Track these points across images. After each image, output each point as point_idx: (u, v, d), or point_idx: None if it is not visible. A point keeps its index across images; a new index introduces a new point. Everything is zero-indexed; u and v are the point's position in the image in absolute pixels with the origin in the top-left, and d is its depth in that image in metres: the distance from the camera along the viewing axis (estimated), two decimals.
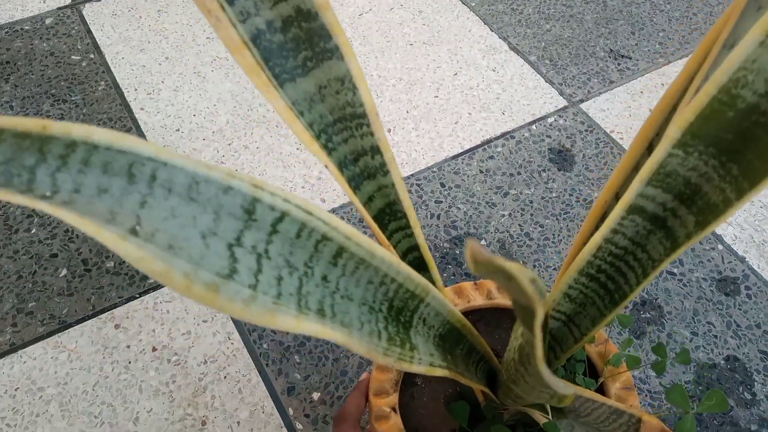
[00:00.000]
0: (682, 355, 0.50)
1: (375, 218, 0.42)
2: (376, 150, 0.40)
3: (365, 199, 0.41)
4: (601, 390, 0.52)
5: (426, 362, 0.34)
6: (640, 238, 0.36)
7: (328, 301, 0.30)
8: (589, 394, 0.40)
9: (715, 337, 0.76)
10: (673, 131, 0.32)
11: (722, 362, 0.75)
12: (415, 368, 0.35)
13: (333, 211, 0.86)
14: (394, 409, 0.52)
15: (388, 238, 0.43)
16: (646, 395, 0.72)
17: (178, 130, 0.95)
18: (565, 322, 0.45)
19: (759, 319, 0.78)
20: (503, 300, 0.57)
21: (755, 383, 0.73)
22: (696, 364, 0.74)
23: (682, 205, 0.33)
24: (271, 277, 0.27)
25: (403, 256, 0.44)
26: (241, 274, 0.24)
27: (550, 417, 0.44)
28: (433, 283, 0.44)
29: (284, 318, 0.26)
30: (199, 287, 0.22)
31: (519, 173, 0.92)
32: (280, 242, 0.30)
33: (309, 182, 0.89)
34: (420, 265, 0.44)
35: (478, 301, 0.58)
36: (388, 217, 0.43)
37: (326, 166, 0.35)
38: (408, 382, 0.56)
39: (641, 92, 1.02)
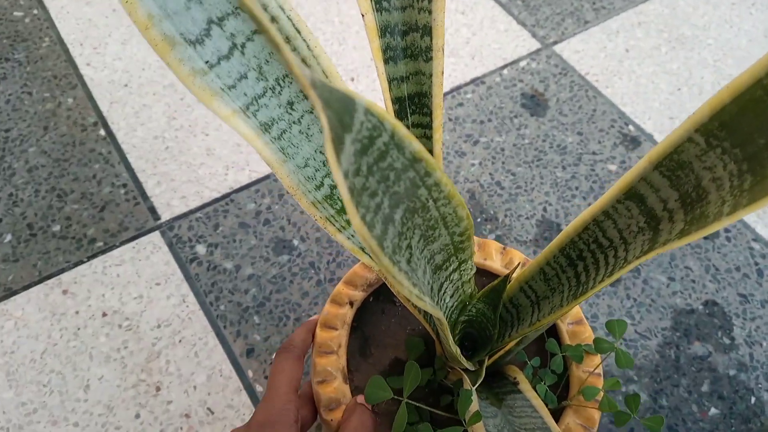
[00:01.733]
0: (618, 329, 0.46)
1: (397, 102, 0.38)
2: (428, 30, 0.36)
3: (396, 78, 0.38)
4: (564, 391, 0.48)
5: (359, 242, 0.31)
6: (629, 235, 0.32)
7: (281, 125, 0.28)
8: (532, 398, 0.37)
9: (693, 281, 0.73)
10: (702, 112, 0.25)
11: (700, 307, 0.72)
12: (341, 239, 0.31)
13: None
14: (339, 345, 0.49)
15: None
16: (621, 343, 0.69)
17: (126, 85, 0.89)
18: (532, 303, 0.41)
19: (738, 262, 0.75)
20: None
21: (734, 327, 0.70)
22: (673, 310, 0.71)
23: (681, 210, 0.28)
24: (233, 69, 0.26)
25: None
26: (205, 48, 0.25)
27: (472, 387, 0.40)
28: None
29: (220, 105, 0.26)
30: (157, 33, 0.22)
31: (490, 120, 0.87)
32: (260, 46, 0.28)
33: None
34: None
35: (496, 263, 0.54)
36: (413, 107, 0.39)
37: (363, 16, 0.32)
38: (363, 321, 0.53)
39: (617, 32, 0.97)
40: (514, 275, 0.42)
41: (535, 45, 0.96)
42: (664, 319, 0.71)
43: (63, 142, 0.83)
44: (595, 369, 0.47)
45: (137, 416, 0.63)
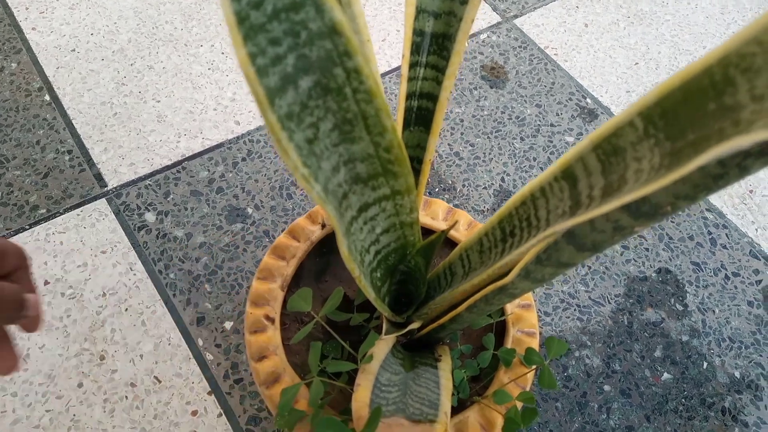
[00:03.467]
0: (556, 348, 0.45)
1: (419, 34, 0.39)
2: None
3: (427, 11, 0.39)
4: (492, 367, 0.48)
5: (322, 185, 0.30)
6: (553, 218, 0.31)
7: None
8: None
9: (647, 250, 0.74)
10: (650, 96, 0.24)
11: (654, 275, 0.72)
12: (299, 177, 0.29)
13: (248, 134, 0.80)
14: (271, 320, 0.47)
15: None
16: (575, 309, 0.69)
17: (73, 50, 0.85)
18: (464, 273, 0.40)
19: (692, 231, 0.76)
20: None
21: (687, 294, 0.71)
22: (627, 277, 0.72)
23: (599, 200, 0.27)
24: None
25: None
26: None
27: (382, 334, 0.40)
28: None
29: None
30: None
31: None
32: None
33: (222, 104, 0.82)
34: None
35: (442, 224, 0.53)
36: (433, 47, 0.40)
37: None
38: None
39: (577, 7, 0.98)
40: (462, 242, 0.41)
41: (495, 18, 0.95)
42: (618, 286, 0.71)
43: (5, 107, 0.79)
44: (517, 378, 0.45)
45: (80, 385, 0.61)
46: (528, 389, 0.45)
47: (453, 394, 0.45)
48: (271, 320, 0.47)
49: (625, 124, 0.26)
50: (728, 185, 0.28)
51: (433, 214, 0.53)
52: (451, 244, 0.54)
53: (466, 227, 0.53)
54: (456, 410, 0.45)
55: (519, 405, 0.43)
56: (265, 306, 0.47)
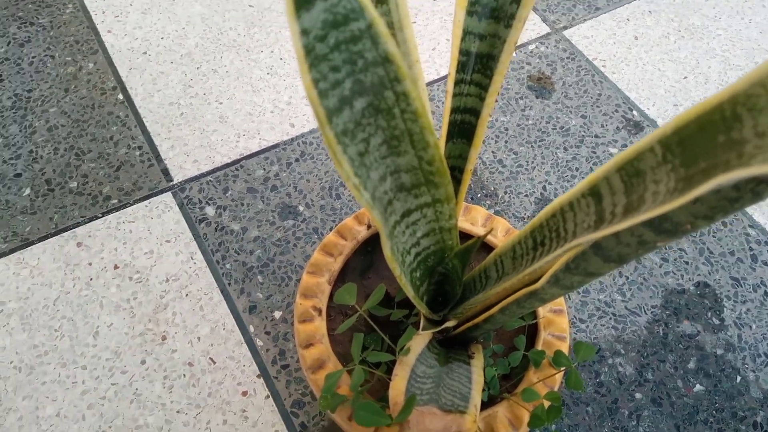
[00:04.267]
0: (584, 352, 0.47)
1: (465, 54, 0.43)
2: None
3: (473, 33, 0.42)
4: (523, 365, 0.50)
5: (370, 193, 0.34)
6: (579, 231, 0.34)
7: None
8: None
9: (686, 263, 0.75)
10: (669, 126, 0.26)
11: (692, 288, 0.73)
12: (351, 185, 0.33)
13: (302, 136, 0.84)
14: (319, 312, 0.51)
15: None
16: (610, 318, 0.71)
17: (145, 53, 0.92)
18: (498, 277, 0.43)
19: (733, 247, 0.76)
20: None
21: (725, 309, 0.72)
22: (665, 289, 0.73)
23: (620, 217, 0.29)
24: None
25: None
26: None
27: (420, 329, 0.43)
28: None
29: None
30: None
31: (495, 100, 0.89)
32: None
33: (278, 107, 0.87)
34: None
35: (480, 230, 0.56)
36: (478, 66, 0.44)
37: None
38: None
39: (627, 19, 0.98)
40: (497, 248, 0.44)
41: (545, 29, 0.97)
42: (655, 298, 0.72)
43: (82, 104, 0.87)
44: (546, 378, 0.48)
45: (143, 362, 0.67)
46: (556, 390, 0.48)
47: (483, 390, 0.48)
48: (319, 311, 0.51)
49: (647, 149, 0.29)
50: (744, 207, 0.30)
51: (473, 220, 0.56)
52: (488, 249, 0.57)
53: (503, 234, 0.56)
54: (486, 405, 0.48)
55: (546, 404, 0.46)
56: (314, 298, 0.52)
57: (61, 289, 0.71)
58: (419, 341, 0.46)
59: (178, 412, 0.64)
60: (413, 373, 0.44)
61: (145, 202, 0.78)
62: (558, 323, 0.51)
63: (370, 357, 0.46)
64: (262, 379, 0.66)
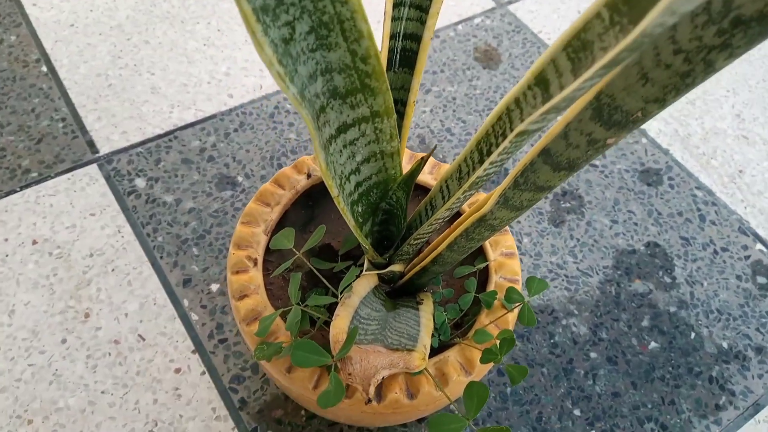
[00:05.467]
0: (537, 286, 0.44)
1: None
2: None
3: None
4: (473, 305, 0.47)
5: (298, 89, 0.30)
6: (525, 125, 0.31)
7: None
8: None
9: (636, 224, 0.74)
10: None
11: (642, 248, 0.72)
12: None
13: (241, 106, 0.80)
14: (254, 262, 0.47)
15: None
16: (563, 279, 0.69)
17: (72, 25, 0.86)
18: (444, 203, 0.40)
19: (681, 208, 0.76)
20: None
21: (675, 267, 0.71)
22: (615, 250, 0.72)
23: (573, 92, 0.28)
24: None
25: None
26: None
27: (363, 269, 0.40)
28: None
29: None
30: None
31: (442, 71, 0.87)
32: None
33: (216, 77, 0.83)
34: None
35: (428, 177, 0.53)
36: None
37: None
38: None
39: None
40: (441, 174, 0.41)
41: (489, 4, 0.96)
42: (606, 258, 0.71)
43: (2, 77, 0.80)
44: (497, 319, 0.45)
45: (63, 341, 0.61)
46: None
47: (433, 336, 0.45)
48: (254, 261, 0.47)
49: (593, 16, 0.27)
50: (695, 85, 0.28)
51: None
52: (419, 188, 0.54)
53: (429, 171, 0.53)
54: (436, 351, 0.45)
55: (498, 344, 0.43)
56: (248, 248, 0.48)
57: None
58: (363, 283, 0.43)
59: (102, 392, 0.58)
60: (357, 314, 0.40)
61: (68, 175, 0.72)
62: (509, 266, 0.48)
63: (310, 302, 0.42)
64: (197, 355, 0.61)
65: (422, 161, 0.38)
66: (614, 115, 0.31)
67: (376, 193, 0.43)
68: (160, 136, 0.76)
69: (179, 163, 0.74)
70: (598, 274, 0.69)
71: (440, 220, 0.39)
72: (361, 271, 0.46)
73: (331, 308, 0.46)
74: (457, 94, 0.84)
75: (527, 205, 0.38)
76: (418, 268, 0.46)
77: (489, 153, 0.35)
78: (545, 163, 0.35)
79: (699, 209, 0.76)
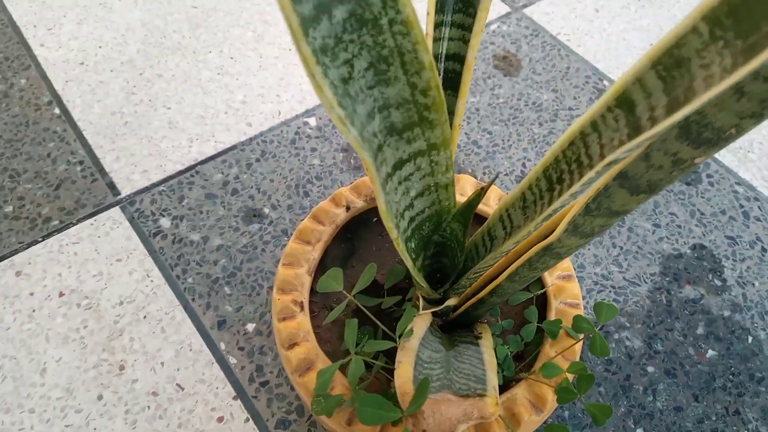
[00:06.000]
0: (606, 313, 0.41)
1: None
2: None
3: None
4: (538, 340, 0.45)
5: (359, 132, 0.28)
6: (608, 152, 0.28)
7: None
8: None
9: (679, 227, 0.71)
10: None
11: (688, 251, 0.69)
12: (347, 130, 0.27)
13: (261, 135, 0.78)
14: (301, 306, 0.45)
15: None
16: (609, 291, 0.66)
17: (82, 63, 0.85)
18: (506, 234, 0.37)
19: (723, 206, 0.73)
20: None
21: (725, 269, 0.68)
22: (661, 255, 0.69)
23: (663, 118, 0.25)
24: None
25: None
26: None
27: (420, 309, 0.38)
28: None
29: None
30: None
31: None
32: None
33: (233, 107, 0.81)
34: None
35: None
36: (459, 5, 0.39)
37: None
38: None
39: None
40: (501, 201, 0.39)
41: (504, 9, 0.94)
42: (653, 265, 0.68)
43: (15, 123, 0.78)
44: (565, 350, 0.42)
45: (100, 397, 0.58)
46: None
47: (498, 372, 0.43)
48: (300, 305, 0.44)
49: (688, 31, 0.24)
50: None
51: (462, 190, 0.51)
52: (482, 221, 0.52)
53: (496, 201, 0.51)
54: (502, 389, 0.42)
55: (570, 377, 0.41)
56: (293, 292, 0.45)
57: (1, 324, 0.62)
58: (420, 323, 0.40)
59: None
60: (419, 358, 0.38)
61: (90, 220, 0.70)
62: (569, 290, 0.45)
63: (367, 348, 0.40)
64: (239, 401, 0.59)
65: (482, 191, 0.36)
66: (704, 133, 0.29)
67: (429, 226, 0.40)
68: (181, 173, 0.74)
69: (203, 199, 0.72)
70: (646, 282, 0.67)
71: (504, 254, 0.37)
72: (413, 308, 0.43)
73: (387, 351, 0.43)
74: (480, 105, 0.82)
75: (598, 231, 0.36)
76: (474, 300, 0.43)
77: (560, 180, 0.32)
78: (622, 186, 0.32)
79: (742, 206, 0.73)
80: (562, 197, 0.30)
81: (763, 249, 0.70)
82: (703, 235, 0.71)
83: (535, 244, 0.41)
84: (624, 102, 0.28)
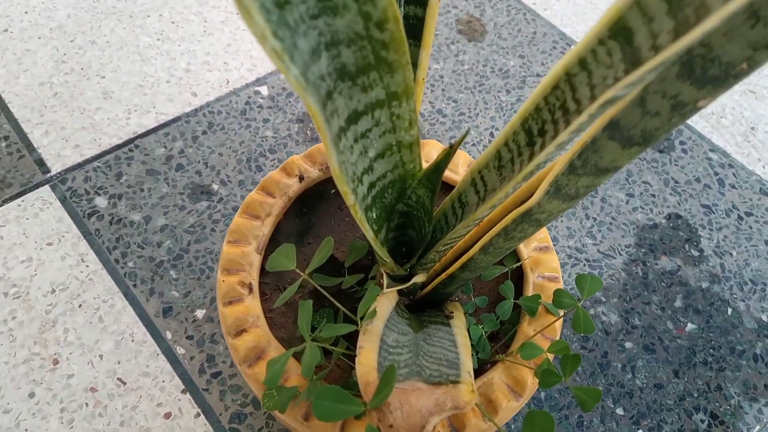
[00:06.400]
0: (590, 285, 0.37)
1: None
2: None
3: None
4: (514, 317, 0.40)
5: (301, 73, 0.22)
6: (599, 93, 0.24)
7: None
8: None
9: (653, 196, 0.68)
10: None
11: (663, 221, 0.66)
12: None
13: (207, 105, 0.72)
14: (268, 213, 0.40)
15: None
16: (584, 264, 0.63)
17: (6, 30, 0.76)
18: (479, 199, 0.33)
19: (698, 173, 0.70)
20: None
21: (701, 239, 0.65)
22: (636, 226, 0.66)
23: (677, 42, 0.20)
24: None
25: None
26: None
27: (384, 288, 0.33)
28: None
29: None
30: None
31: None
32: None
33: (175, 75, 0.74)
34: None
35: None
36: None
37: None
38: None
39: None
40: (474, 161, 0.34)
41: None
42: (627, 236, 0.65)
43: None
44: (545, 328, 0.38)
45: (32, 395, 0.52)
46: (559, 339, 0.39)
47: (472, 355, 0.38)
48: (249, 287, 0.39)
49: None
50: None
51: (427, 156, 0.46)
52: (451, 190, 0.47)
53: (466, 167, 0.46)
54: (477, 373, 0.38)
55: (551, 357, 0.37)
56: (240, 272, 0.40)
57: None
58: (384, 303, 0.35)
59: None
60: (383, 342, 0.33)
61: (17, 201, 0.63)
62: (547, 262, 0.41)
63: (324, 332, 0.35)
64: (188, 395, 0.53)
65: (452, 150, 0.31)
66: (710, 70, 0.24)
67: (392, 194, 0.35)
68: (118, 147, 0.67)
69: (144, 176, 0.65)
70: (621, 254, 0.64)
71: (478, 221, 0.32)
72: (376, 286, 0.39)
73: (348, 335, 0.38)
74: (444, 72, 0.77)
75: (583, 192, 0.31)
76: (444, 275, 0.39)
77: (542, 133, 0.28)
78: (612, 138, 0.28)
79: (716, 173, 0.71)
80: (546, 149, 0.25)
81: (740, 217, 0.67)
82: (678, 204, 0.68)
83: (511, 211, 0.36)
84: (619, 31, 0.23)
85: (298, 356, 0.37)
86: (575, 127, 0.23)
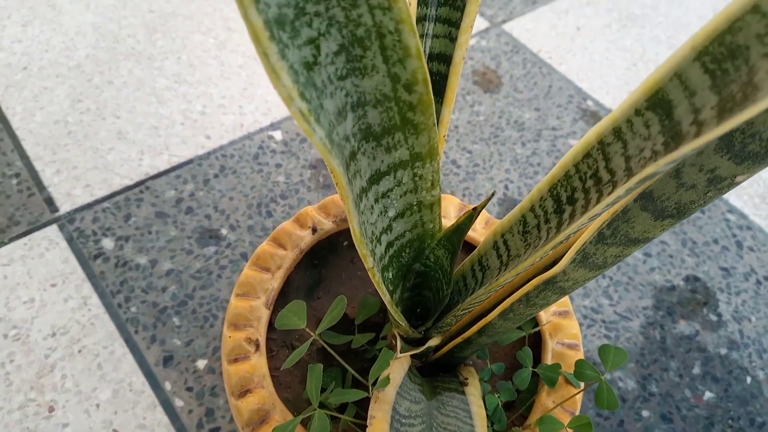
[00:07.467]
0: (614, 357, 0.35)
1: None
2: None
3: None
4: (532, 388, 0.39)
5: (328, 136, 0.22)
6: (636, 165, 0.23)
7: None
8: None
9: (671, 256, 0.67)
10: None
11: (681, 283, 0.65)
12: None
13: (220, 148, 0.71)
14: (256, 345, 0.38)
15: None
16: (600, 326, 0.61)
17: (25, 68, 0.77)
18: (501, 264, 0.31)
19: (716, 234, 0.69)
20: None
21: (719, 303, 0.64)
22: (653, 287, 0.64)
23: (714, 121, 0.19)
24: None
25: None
26: None
27: (397, 352, 0.32)
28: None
29: None
30: None
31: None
32: None
33: (190, 118, 0.74)
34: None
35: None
36: None
37: None
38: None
39: (567, 11, 0.93)
40: (496, 225, 0.33)
41: (483, 24, 0.90)
42: (645, 298, 0.63)
43: None
44: (565, 401, 0.36)
45: None
46: (578, 414, 0.37)
47: (487, 426, 0.36)
48: (255, 345, 0.38)
49: (746, 12, 0.19)
50: None
51: (444, 212, 0.45)
52: (470, 249, 0.46)
53: (483, 226, 0.45)
54: None
55: None
56: (247, 328, 0.38)
57: None
58: (397, 368, 0.34)
59: None
60: (395, 412, 0.31)
61: (24, 240, 0.62)
62: (566, 328, 0.40)
63: (333, 398, 0.33)
64: None
65: (475, 212, 0.30)
66: (749, 145, 0.23)
67: (409, 253, 0.34)
68: (129, 188, 0.67)
69: (153, 218, 0.65)
70: (638, 316, 0.62)
71: (500, 287, 0.31)
72: (389, 351, 0.37)
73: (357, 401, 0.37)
74: (459, 122, 0.77)
75: (611, 262, 0.30)
76: (459, 339, 0.37)
77: (572, 201, 0.27)
78: (644, 209, 0.27)
79: (734, 235, 0.69)
80: (578, 220, 0.24)
81: (758, 281, 0.66)
82: (696, 265, 0.66)
83: (533, 275, 0.35)
84: (658, 103, 0.22)
85: (305, 421, 0.35)
86: (611, 200, 0.22)
